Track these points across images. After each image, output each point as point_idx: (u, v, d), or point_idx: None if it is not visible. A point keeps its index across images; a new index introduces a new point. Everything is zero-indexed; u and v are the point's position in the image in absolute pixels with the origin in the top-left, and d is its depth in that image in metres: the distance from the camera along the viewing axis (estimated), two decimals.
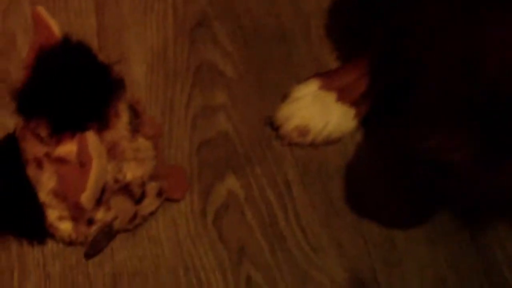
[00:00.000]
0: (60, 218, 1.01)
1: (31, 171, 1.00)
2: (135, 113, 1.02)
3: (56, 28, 0.99)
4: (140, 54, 1.20)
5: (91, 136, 0.95)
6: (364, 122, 1.15)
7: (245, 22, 1.24)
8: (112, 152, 0.98)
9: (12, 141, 1.03)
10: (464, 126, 0.86)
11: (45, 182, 0.99)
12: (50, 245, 1.06)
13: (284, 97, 1.16)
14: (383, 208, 1.10)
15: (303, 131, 1.13)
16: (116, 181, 0.98)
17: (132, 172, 0.99)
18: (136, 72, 1.19)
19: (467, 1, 0.84)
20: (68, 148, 0.96)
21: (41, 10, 1.01)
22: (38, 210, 1.01)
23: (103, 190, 0.97)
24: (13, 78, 1.17)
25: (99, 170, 0.93)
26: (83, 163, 0.94)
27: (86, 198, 0.92)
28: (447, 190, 1.05)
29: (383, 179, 1.12)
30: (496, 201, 1.05)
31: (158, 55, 1.21)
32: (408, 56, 0.96)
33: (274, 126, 1.15)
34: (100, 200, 0.98)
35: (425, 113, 0.92)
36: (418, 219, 1.10)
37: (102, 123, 0.97)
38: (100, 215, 1.00)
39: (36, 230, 1.03)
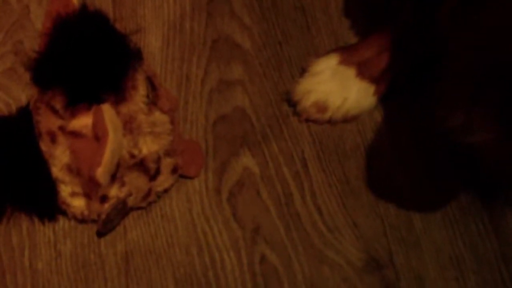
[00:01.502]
0: (73, 194, 1.00)
1: (45, 145, 0.98)
2: (152, 85, 1.00)
3: None
4: (156, 26, 1.18)
5: (107, 109, 0.93)
6: (384, 100, 1.12)
7: None
8: (128, 125, 0.96)
9: (25, 114, 1.01)
10: (489, 103, 0.84)
11: (59, 157, 0.98)
12: (62, 222, 1.05)
13: (302, 71, 1.14)
14: (402, 190, 1.08)
15: (322, 107, 1.11)
16: (132, 156, 0.96)
17: (148, 147, 0.97)
18: (152, 45, 1.17)
19: None
20: (83, 122, 0.95)
21: None
22: (51, 185, 1.00)
23: (117, 166, 0.94)
24: (27, 50, 1.15)
25: (115, 144, 0.91)
26: (98, 136, 0.92)
27: (101, 173, 0.90)
28: (470, 169, 1.03)
29: (402, 160, 1.09)
30: None
31: (174, 28, 1.18)
32: (436, 29, 0.93)
33: (291, 101, 1.13)
34: (114, 176, 0.96)
35: (450, 91, 0.89)
36: (437, 202, 1.08)
37: (119, 95, 0.95)
38: (114, 192, 0.98)
39: (47, 206, 1.02)
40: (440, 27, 0.94)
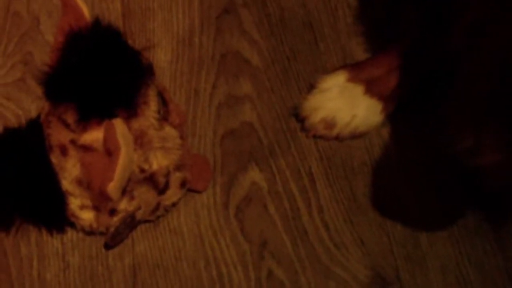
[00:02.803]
0: (82, 207, 1.00)
1: (55, 158, 0.98)
2: (162, 101, 1.00)
3: (85, 11, 0.97)
4: (165, 40, 1.19)
5: (119, 124, 0.93)
6: (391, 117, 1.12)
7: (272, 10, 1.22)
8: (139, 140, 0.96)
9: (35, 127, 1.01)
10: (499, 127, 0.84)
11: (69, 170, 0.98)
12: (70, 234, 1.05)
13: (311, 87, 1.14)
14: (408, 207, 1.08)
15: (330, 123, 1.11)
16: (142, 170, 0.96)
17: (158, 162, 0.97)
18: (161, 59, 1.17)
19: None
20: (94, 136, 0.95)
21: None
22: (60, 198, 1.00)
23: (128, 180, 0.95)
24: (37, 62, 1.15)
25: (127, 159, 0.91)
26: (110, 151, 0.92)
27: (113, 188, 0.90)
28: (478, 190, 1.03)
29: (409, 177, 1.10)
30: None
31: (183, 42, 1.19)
32: (447, 49, 0.94)
33: (299, 117, 1.13)
34: (124, 190, 0.96)
35: (460, 112, 0.90)
36: (444, 220, 1.08)
37: (130, 110, 0.96)
38: (123, 205, 0.99)
39: (56, 218, 1.02)
40: (451, 47, 0.94)
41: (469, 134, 0.86)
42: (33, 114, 1.10)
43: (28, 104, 1.12)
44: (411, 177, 1.10)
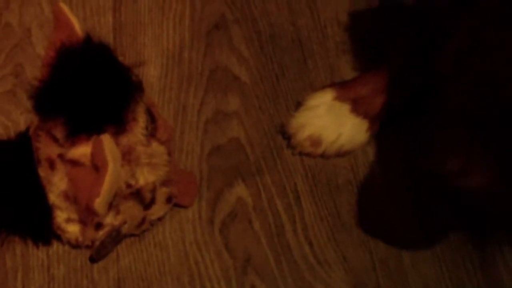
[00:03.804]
0: (68, 220, 1.01)
1: (43, 171, 0.99)
2: (151, 117, 1.01)
3: (77, 26, 0.98)
4: (155, 55, 1.20)
5: (107, 139, 0.94)
6: (377, 136, 1.14)
7: (262, 27, 1.23)
8: (127, 156, 0.97)
9: (24, 139, 1.02)
10: (485, 149, 0.85)
11: (57, 184, 0.99)
12: (55, 247, 1.06)
13: (298, 105, 1.16)
14: (392, 225, 1.10)
15: (316, 141, 1.12)
16: (128, 186, 0.97)
17: (144, 178, 0.98)
18: (150, 74, 1.18)
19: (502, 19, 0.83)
20: (82, 151, 0.96)
21: (63, 6, 0.99)
22: (47, 211, 1.00)
23: (114, 195, 0.96)
24: (27, 73, 1.16)
25: (114, 175, 0.92)
26: (97, 167, 0.93)
27: (100, 203, 0.91)
28: (462, 211, 1.04)
29: (393, 196, 1.11)
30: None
31: (173, 57, 1.20)
32: (433, 71, 0.95)
33: (286, 134, 1.15)
34: (110, 205, 0.97)
35: (445, 133, 0.91)
36: (427, 239, 1.09)
37: (119, 126, 0.96)
38: (109, 220, 1.00)
39: (42, 231, 1.02)
40: (439, 68, 0.95)
41: (457, 155, 0.87)
42: (22, 126, 1.10)
43: (17, 116, 1.13)
44: (395, 196, 1.11)
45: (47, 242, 1.04)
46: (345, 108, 1.12)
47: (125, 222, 1.01)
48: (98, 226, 1.00)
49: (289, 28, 1.24)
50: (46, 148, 0.99)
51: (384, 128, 1.14)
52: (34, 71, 1.15)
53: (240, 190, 1.11)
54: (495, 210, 1.00)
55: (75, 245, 1.04)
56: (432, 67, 0.97)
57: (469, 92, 0.87)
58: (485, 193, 0.89)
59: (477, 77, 0.86)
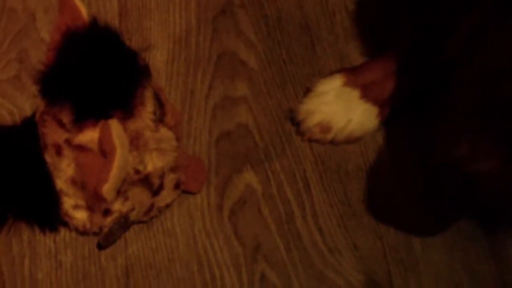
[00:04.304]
0: (76, 206, 0.99)
1: (50, 157, 0.98)
2: (159, 102, 0.99)
3: (83, 10, 0.97)
4: (161, 40, 1.18)
5: (115, 125, 0.92)
6: (386, 123, 1.12)
7: (269, 11, 1.22)
8: (135, 142, 0.95)
9: (30, 125, 1.00)
10: (494, 135, 0.84)
11: (64, 169, 0.97)
12: (63, 233, 1.04)
13: (307, 91, 1.14)
14: (402, 212, 1.08)
15: (325, 127, 1.11)
16: (137, 172, 0.96)
17: (153, 163, 0.97)
18: (157, 59, 1.17)
19: None
20: (89, 136, 0.94)
21: None
22: (54, 197, 0.99)
23: (123, 181, 0.94)
24: (32, 59, 1.14)
25: (122, 160, 0.90)
26: (105, 152, 0.91)
27: (108, 189, 0.90)
28: (472, 198, 1.03)
29: (404, 183, 1.10)
30: None
31: (180, 42, 1.18)
32: (444, 56, 0.93)
33: (295, 120, 1.13)
34: (118, 191, 0.95)
35: (454, 119, 0.90)
36: (438, 227, 1.08)
37: (127, 111, 0.95)
38: (117, 206, 0.98)
39: (49, 217, 1.01)
40: (448, 54, 0.94)
41: (465, 141, 0.86)
42: (28, 112, 1.09)
43: (22, 102, 1.12)
44: (406, 182, 1.10)
45: (54, 229, 1.03)
46: (354, 94, 1.11)
47: (133, 209, 0.99)
48: (106, 212, 0.98)
49: (296, 13, 1.22)
50: (53, 134, 0.97)
51: (394, 114, 1.12)
52: (39, 56, 1.14)
53: (249, 176, 1.10)
54: (504, 196, 0.99)
55: (83, 232, 1.03)
56: (442, 53, 0.96)
57: (479, 78, 0.86)
58: (493, 180, 0.88)
59: (488, 63, 0.84)
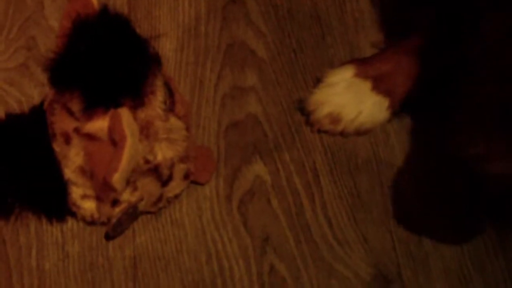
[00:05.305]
0: (84, 196, 0.98)
1: (58, 146, 0.97)
2: (169, 91, 0.98)
3: None
4: (170, 28, 1.17)
5: (125, 113, 0.91)
6: (397, 114, 1.12)
7: (279, 1, 1.21)
8: (145, 131, 0.94)
9: (38, 114, 0.99)
10: (507, 136, 0.83)
11: (72, 158, 0.96)
12: (70, 223, 1.04)
13: (317, 81, 1.13)
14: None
15: (335, 119, 1.10)
16: (146, 161, 0.95)
17: (163, 153, 0.96)
18: (166, 48, 1.16)
19: None
20: (99, 125, 0.93)
21: None
22: (61, 186, 0.98)
23: (132, 171, 0.93)
24: (40, 46, 1.13)
25: (132, 150, 0.89)
26: (115, 141, 0.90)
27: (117, 179, 0.89)
28: (487, 199, 1.02)
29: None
30: None
31: (189, 31, 1.17)
32: (461, 52, 0.92)
33: (305, 111, 1.12)
34: (127, 181, 0.94)
35: (471, 118, 0.89)
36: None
37: (137, 100, 0.94)
38: (126, 196, 0.97)
39: (57, 207, 1.00)
40: (465, 49, 0.93)
41: (480, 140, 0.85)
42: (36, 100, 1.08)
43: (30, 90, 1.11)
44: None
45: (61, 219, 1.02)
46: (365, 85, 1.10)
47: (142, 199, 0.99)
48: (115, 202, 0.97)
49: (307, 2, 1.22)
50: (62, 122, 0.96)
51: (406, 107, 1.11)
52: (47, 44, 1.13)
53: (258, 167, 1.09)
54: None
55: (90, 222, 1.02)
56: (458, 47, 0.95)
57: (496, 75, 0.84)
58: (506, 178, 0.87)
59: (506, 60, 0.83)
